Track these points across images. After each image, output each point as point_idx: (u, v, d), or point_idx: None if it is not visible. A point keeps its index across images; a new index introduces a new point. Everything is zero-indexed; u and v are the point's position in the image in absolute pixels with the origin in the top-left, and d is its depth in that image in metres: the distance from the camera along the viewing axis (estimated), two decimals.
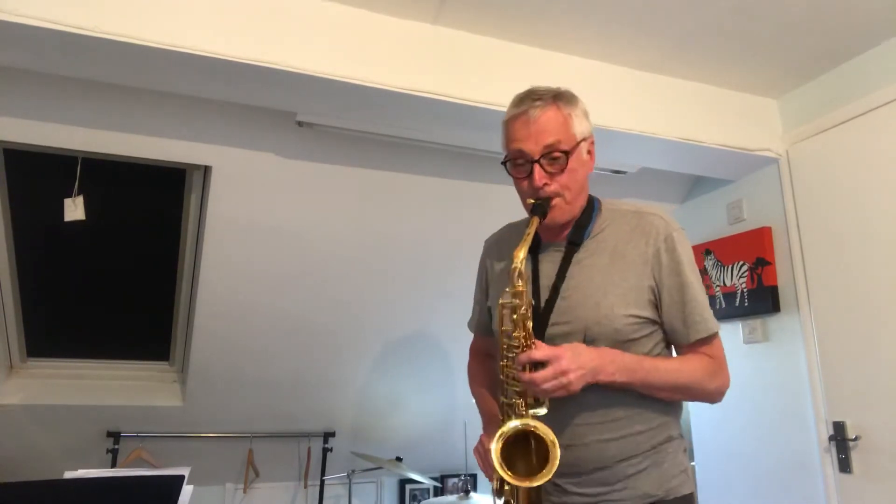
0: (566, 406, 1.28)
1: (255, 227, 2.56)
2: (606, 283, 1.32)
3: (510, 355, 1.28)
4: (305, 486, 3.45)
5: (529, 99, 1.35)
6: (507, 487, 1.27)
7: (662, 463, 1.31)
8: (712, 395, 1.34)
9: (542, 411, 1.23)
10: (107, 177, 2.59)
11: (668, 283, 1.32)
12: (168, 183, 2.65)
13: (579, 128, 1.36)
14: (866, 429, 2.27)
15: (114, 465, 3.00)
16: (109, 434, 3.06)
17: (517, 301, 1.26)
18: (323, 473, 3.34)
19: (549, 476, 1.15)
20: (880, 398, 2.23)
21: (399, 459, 3.21)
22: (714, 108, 2.59)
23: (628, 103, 2.41)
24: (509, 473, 1.18)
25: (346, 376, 3.24)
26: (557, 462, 1.15)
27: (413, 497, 3.79)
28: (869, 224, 2.32)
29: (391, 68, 2.05)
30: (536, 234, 1.39)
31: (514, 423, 1.22)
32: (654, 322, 1.34)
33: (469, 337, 1.68)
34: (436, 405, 3.47)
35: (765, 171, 2.75)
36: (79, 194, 2.41)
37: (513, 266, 1.25)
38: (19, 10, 1.64)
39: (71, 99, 2.14)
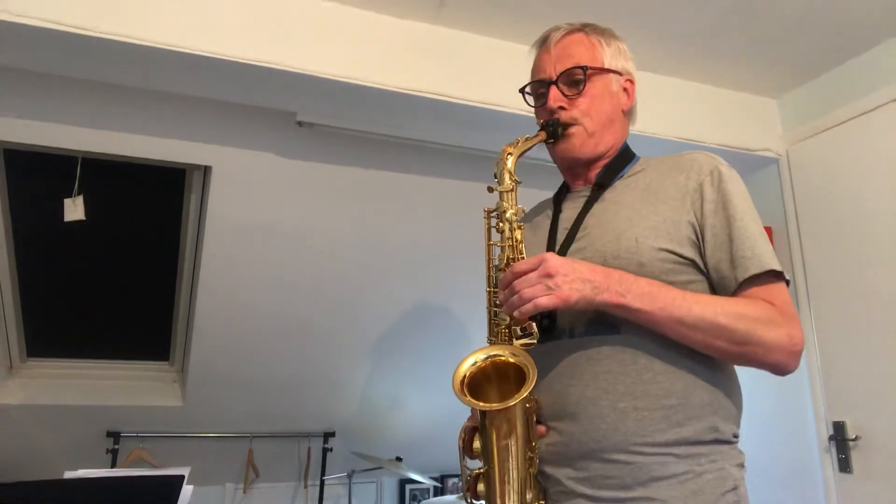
0: (566, 356, 1.04)
1: (254, 227, 2.56)
2: (633, 216, 1.07)
3: (497, 274, 1.10)
4: (305, 486, 3.45)
5: (558, 25, 1.23)
6: (476, 445, 1.04)
7: (705, 472, 0.98)
8: (773, 351, 0.98)
9: (531, 340, 1.01)
10: (107, 177, 2.59)
11: (713, 221, 1.05)
12: (168, 183, 2.65)
13: (611, 58, 1.19)
14: (866, 429, 2.27)
15: (114, 465, 3.00)
16: (109, 434, 3.06)
17: (505, 204, 1.09)
18: (323, 473, 3.33)
19: (524, 394, 0.93)
20: (880, 398, 2.23)
21: (399, 459, 3.21)
22: (714, 108, 2.59)
23: None
24: (472, 398, 0.97)
25: (346, 376, 3.24)
26: (533, 382, 0.94)
27: (413, 497, 3.78)
28: (869, 224, 2.31)
29: (391, 68, 2.05)
30: (564, 185, 1.27)
31: (481, 354, 1.01)
32: (696, 267, 1.05)
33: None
34: (436, 405, 3.47)
35: (765, 171, 2.75)
36: (79, 194, 2.41)
37: (497, 162, 1.10)
38: (19, 10, 1.64)
39: (71, 99, 2.14)
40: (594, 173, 1.19)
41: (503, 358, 1.01)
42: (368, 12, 2.08)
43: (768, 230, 2.70)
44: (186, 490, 1.35)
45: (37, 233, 2.67)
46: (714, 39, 2.28)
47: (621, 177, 1.18)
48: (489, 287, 1.13)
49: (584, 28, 1.21)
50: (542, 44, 1.23)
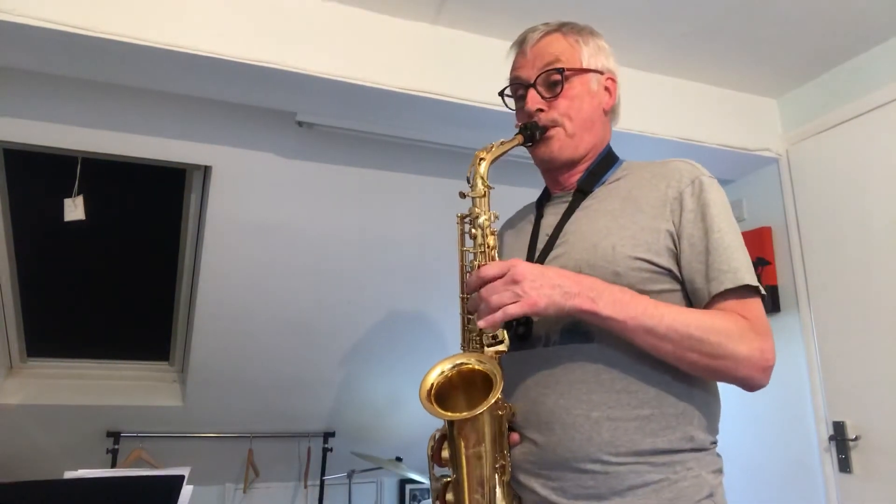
0: (540, 365, 1.02)
1: (255, 227, 2.56)
2: (611, 225, 1.07)
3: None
4: (305, 486, 3.45)
5: (535, 26, 1.21)
6: (445, 454, 1.05)
7: (683, 480, 0.96)
8: (743, 365, 0.96)
9: (502, 348, 0.99)
10: (107, 177, 2.59)
11: (691, 231, 1.03)
12: (168, 183, 2.65)
13: (591, 58, 1.17)
14: (866, 429, 2.27)
15: (114, 465, 3.00)
16: (109, 434, 3.06)
17: (477, 210, 1.09)
18: (323, 473, 3.33)
19: (491, 401, 0.93)
20: (880, 398, 2.23)
21: (399, 459, 3.21)
22: (714, 108, 2.59)
23: (628, 103, 2.38)
24: (438, 408, 0.96)
25: (346, 376, 3.24)
26: (499, 390, 0.94)
27: (413, 497, 3.78)
28: (869, 224, 2.31)
29: (391, 68, 2.05)
30: (546, 190, 1.26)
31: (448, 364, 1.01)
32: (672, 276, 1.04)
33: None
34: None
35: (765, 170, 2.75)
36: (79, 194, 2.41)
37: (470, 167, 1.10)
38: (19, 10, 1.64)
39: (71, 99, 2.14)
40: (575, 178, 1.18)
41: (470, 366, 1.01)
42: (368, 12, 2.08)
43: (768, 230, 2.70)
44: (186, 490, 1.35)
45: (37, 233, 2.67)
46: (714, 39, 2.28)
47: (603, 182, 1.16)
48: (462, 294, 1.11)
49: (561, 28, 1.19)
50: (520, 46, 1.21)
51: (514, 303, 0.93)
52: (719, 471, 1.03)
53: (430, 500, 3.37)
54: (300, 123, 2.25)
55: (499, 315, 0.93)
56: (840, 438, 2.32)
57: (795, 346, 2.55)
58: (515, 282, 0.94)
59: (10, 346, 2.88)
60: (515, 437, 1.05)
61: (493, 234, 1.08)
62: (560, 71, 1.14)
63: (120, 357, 3.10)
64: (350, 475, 3.27)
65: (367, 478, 3.62)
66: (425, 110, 2.17)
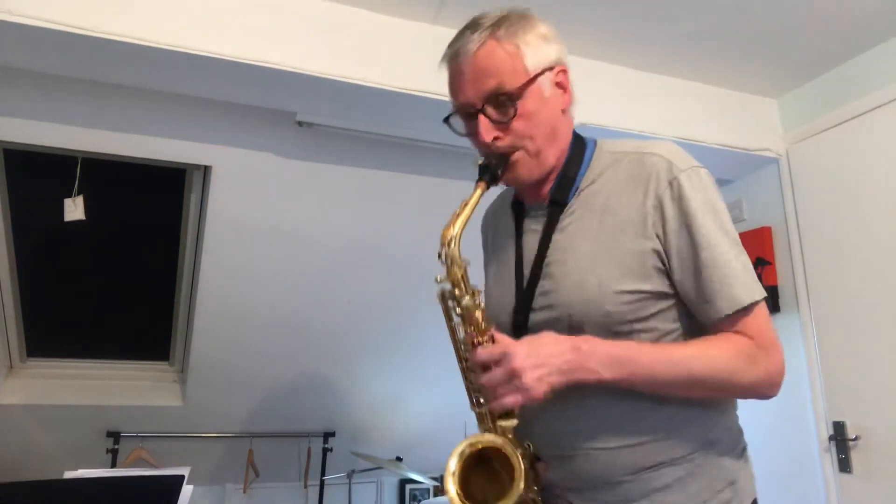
0: (556, 399, 0.98)
1: (255, 226, 2.56)
2: (596, 253, 1.01)
3: (465, 350, 1.04)
4: (305, 486, 3.45)
5: (466, 32, 1.05)
6: None
7: (703, 474, 1.00)
8: (753, 390, 1.00)
9: (512, 422, 1.00)
10: (107, 177, 2.59)
11: (678, 245, 0.98)
12: (168, 183, 2.65)
13: (534, 58, 1.03)
14: (866, 429, 2.27)
15: (114, 465, 3.00)
16: (109, 434, 3.06)
17: (457, 291, 1.01)
18: (323, 473, 3.33)
19: (519, 491, 0.95)
20: (880, 398, 2.23)
21: (399, 459, 3.21)
22: (714, 108, 2.59)
23: (628, 103, 2.41)
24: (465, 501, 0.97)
25: (346, 376, 3.24)
26: (522, 483, 0.95)
27: (413, 497, 3.79)
28: (869, 224, 2.31)
29: (391, 68, 2.05)
30: (519, 200, 1.17)
31: (466, 442, 1.00)
32: (666, 296, 1.00)
33: None
34: (436, 404, 3.47)
35: (765, 170, 2.75)
36: (79, 194, 2.41)
37: (440, 250, 1.01)
38: (19, 10, 1.64)
39: (71, 99, 2.14)
40: (548, 187, 1.10)
41: (485, 444, 1.01)
42: (368, 12, 2.08)
43: (768, 230, 2.70)
44: (186, 490, 1.35)
45: (37, 233, 2.67)
46: (714, 39, 2.28)
47: (576, 188, 1.07)
48: (461, 363, 1.07)
49: (494, 34, 1.03)
50: (453, 60, 1.06)
51: (513, 395, 0.92)
52: (743, 450, 1.06)
53: (429, 500, 3.37)
54: (300, 123, 2.25)
55: (496, 406, 0.94)
56: (840, 438, 2.32)
57: (795, 346, 2.55)
58: (515, 374, 0.91)
59: (10, 346, 2.88)
60: (543, 466, 1.06)
61: (481, 310, 1.02)
62: (509, 94, 1.01)
63: (120, 357, 3.10)
64: (350, 475, 3.27)
65: (367, 478, 3.62)
66: (425, 110, 2.17)
